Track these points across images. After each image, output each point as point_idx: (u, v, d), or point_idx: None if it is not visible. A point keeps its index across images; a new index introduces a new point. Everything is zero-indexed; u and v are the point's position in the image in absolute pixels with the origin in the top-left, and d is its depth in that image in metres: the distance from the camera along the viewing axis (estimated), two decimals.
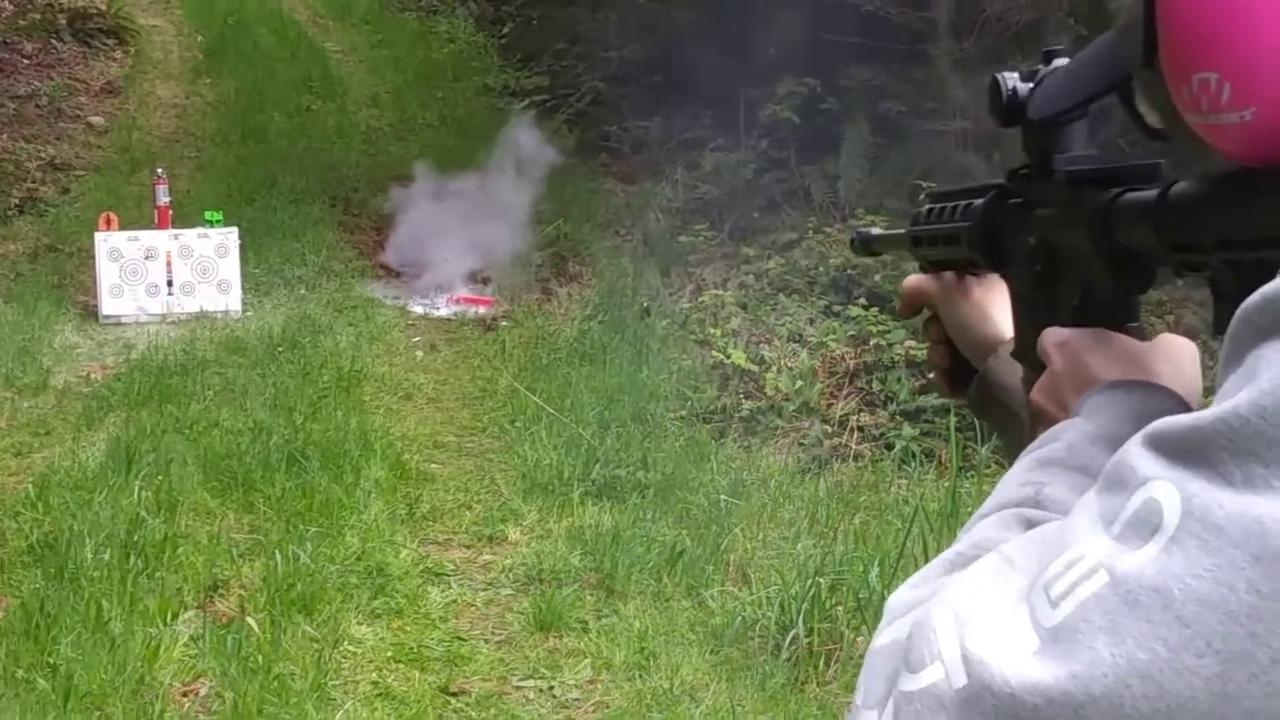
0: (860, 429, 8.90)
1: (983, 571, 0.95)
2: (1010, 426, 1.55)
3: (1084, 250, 1.27)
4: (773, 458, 8.79)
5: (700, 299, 11.98)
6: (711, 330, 11.01)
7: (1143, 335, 1.30)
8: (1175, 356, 1.25)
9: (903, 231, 1.77)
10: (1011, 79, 1.38)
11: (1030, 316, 1.42)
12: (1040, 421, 1.27)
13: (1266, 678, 0.79)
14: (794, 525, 7.36)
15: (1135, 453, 0.88)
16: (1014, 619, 0.88)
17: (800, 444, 9.06)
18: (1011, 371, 1.53)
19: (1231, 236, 1.03)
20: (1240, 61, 0.94)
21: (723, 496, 7.64)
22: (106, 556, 6.44)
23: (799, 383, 9.57)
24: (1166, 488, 0.84)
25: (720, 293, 11.94)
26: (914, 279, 1.69)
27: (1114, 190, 1.22)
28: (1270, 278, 0.88)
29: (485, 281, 13.03)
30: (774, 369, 9.92)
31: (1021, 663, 0.85)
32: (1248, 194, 1.00)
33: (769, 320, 11.19)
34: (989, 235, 1.49)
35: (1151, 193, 1.15)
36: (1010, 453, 1.58)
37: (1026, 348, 1.42)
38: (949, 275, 1.64)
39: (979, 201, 1.51)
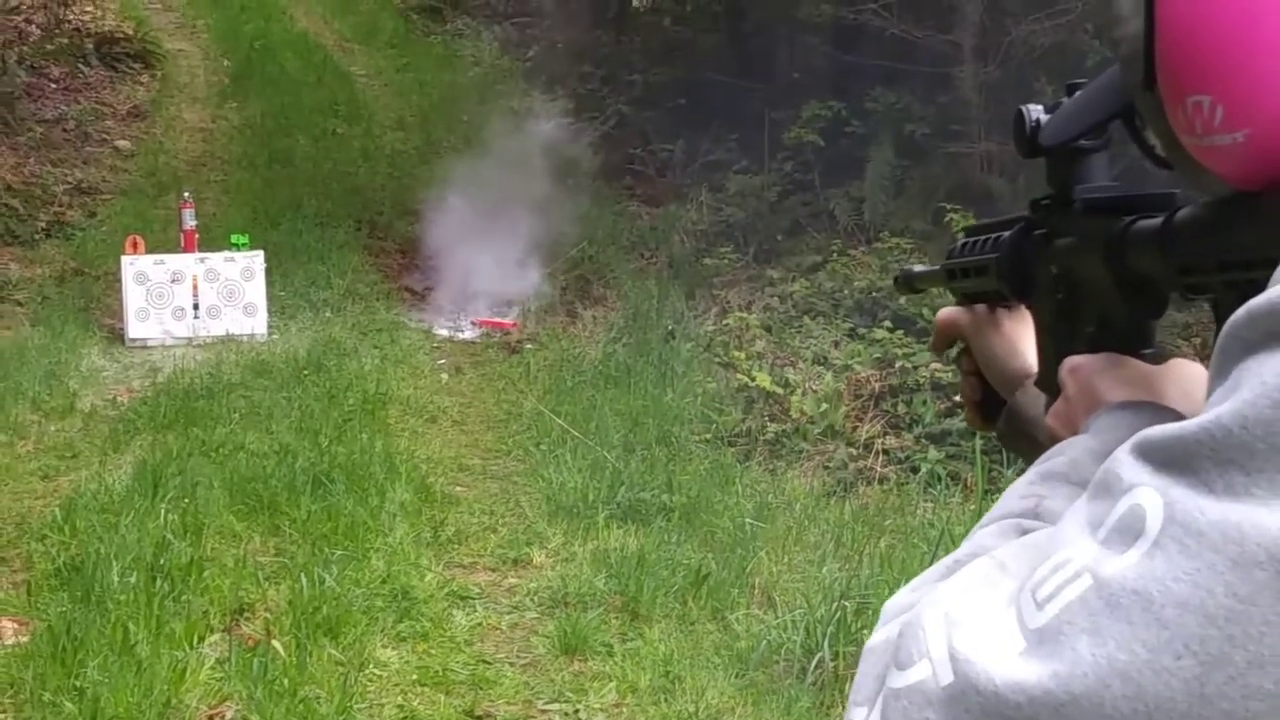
0: (885, 452, 8.89)
1: (974, 574, 0.97)
2: (1036, 457, 1.56)
3: (1100, 277, 1.28)
4: (798, 481, 8.79)
5: (725, 322, 12.00)
6: (736, 353, 11.02)
7: (1158, 360, 1.31)
8: (1184, 379, 1.27)
9: (939, 267, 1.80)
10: (1035, 111, 1.40)
11: (1053, 346, 1.43)
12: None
13: (1243, 680, 0.80)
14: (819, 548, 7.35)
15: (1123, 460, 0.90)
16: (1003, 620, 0.90)
17: (825, 467, 9.05)
18: (1038, 403, 1.54)
19: (1228, 258, 1.04)
20: (1232, 85, 0.95)
21: (748, 520, 7.64)
22: (133, 580, 6.45)
23: (824, 405, 9.57)
24: (1150, 494, 0.86)
25: (745, 315, 11.95)
26: (947, 311, 1.71)
27: (1128, 218, 1.24)
28: None
29: (510, 304, 13.05)
30: (799, 392, 9.92)
31: (1007, 662, 0.87)
32: (1244, 215, 1.01)
33: (794, 343, 11.20)
34: (1016, 266, 1.51)
35: (1159, 219, 1.17)
36: None
37: (1049, 377, 1.43)
38: (981, 308, 1.66)
39: (1007, 234, 1.53)
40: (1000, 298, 1.61)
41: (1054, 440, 1.28)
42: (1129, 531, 0.85)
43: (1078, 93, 1.31)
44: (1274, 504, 0.81)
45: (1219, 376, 0.88)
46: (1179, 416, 1.14)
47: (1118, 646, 0.83)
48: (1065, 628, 0.85)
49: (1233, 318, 0.87)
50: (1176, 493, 0.84)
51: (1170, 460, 0.86)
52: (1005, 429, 1.62)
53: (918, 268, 2.04)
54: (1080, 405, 1.26)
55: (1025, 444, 1.58)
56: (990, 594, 0.93)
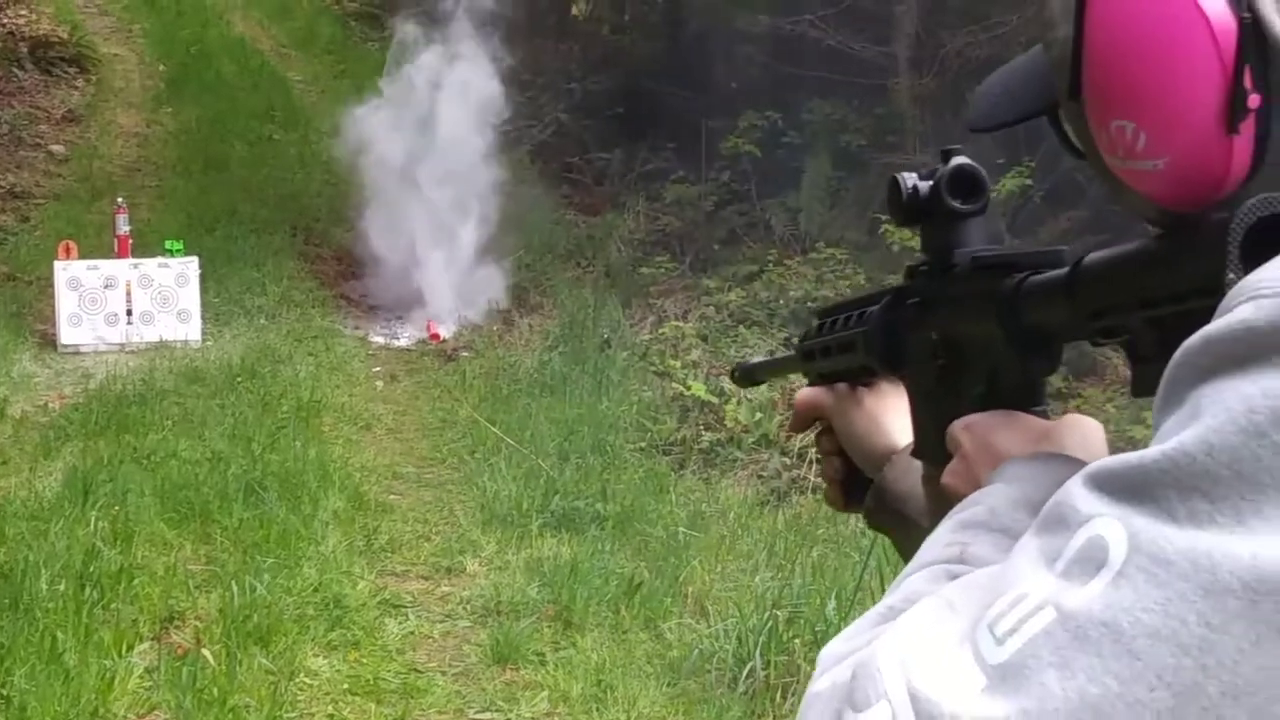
0: (818, 461, 8.91)
1: (924, 614, 0.96)
2: (908, 534, 1.55)
3: (990, 337, 1.28)
4: (732, 490, 8.81)
5: (661, 330, 12.02)
6: (672, 362, 11.04)
7: (1047, 417, 1.31)
8: (1082, 431, 1.26)
9: (790, 355, 1.80)
10: (911, 178, 1.39)
11: (932, 413, 1.42)
12: (954, 504, 1.27)
13: (1218, 710, 0.79)
14: (752, 558, 7.37)
15: (1076, 492, 0.89)
16: (958, 659, 0.88)
17: (759, 476, 9.08)
18: (907, 479, 1.54)
19: (1154, 294, 1.04)
20: (1155, 114, 0.97)
21: (681, 529, 7.66)
22: (62, 588, 6.40)
23: (758, 415, 9.60)
24: (1111, 524, 0.84)
25: (681, 324, 11.98)
26: (806, 392, 1.70)
27: (1019, 275, 1.24)
28: (1196, 329, 0.89)
29: (446, 312, 13.02)
30: (734, 401, 9.95)
31: (969, 700, 0.86)
32: (1168, 250, 1.02)
33: (729, 352, 11.23)
34: (886, 338, 1.50)
35: (1062, 270, 1.17)
36: (907, 560, 1.60)
37: (928, 445, 1.43)
38: (841, 387, 1.65)
39: (874, 308, 1.53)
40: (863, 374, 1.61)
41: (950, 497, 1.28)
42: (1090, 562, 0.84)
43: (1003, 73, 1.30)
44: (1240, 532, 0.80)
45: (1171, 405, 0.87)
46: (1084, 464, 1.16)
47: (1088, 679, 0.81)
48: (1031, 662, 0.84)
49: (1186, 345, 0.87)
50: (1139, 522, 0.83)
51: (1129, 489, 0.85)
52: (874, 505, 1.61)
53: (756, 359, 2.06)
54: (980, 461, 1.26)
55: (894, 520, 1.58)
56: (942, 632, 0.92)
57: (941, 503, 1.35)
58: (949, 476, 1.30)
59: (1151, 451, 0.85)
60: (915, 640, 0.93)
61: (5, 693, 5.51)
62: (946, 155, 1.39)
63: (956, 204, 1.35)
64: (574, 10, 20.93)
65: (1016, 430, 1.26)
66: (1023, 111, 1.25)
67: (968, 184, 1.34)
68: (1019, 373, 1.29)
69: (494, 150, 13.84)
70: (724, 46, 16.79)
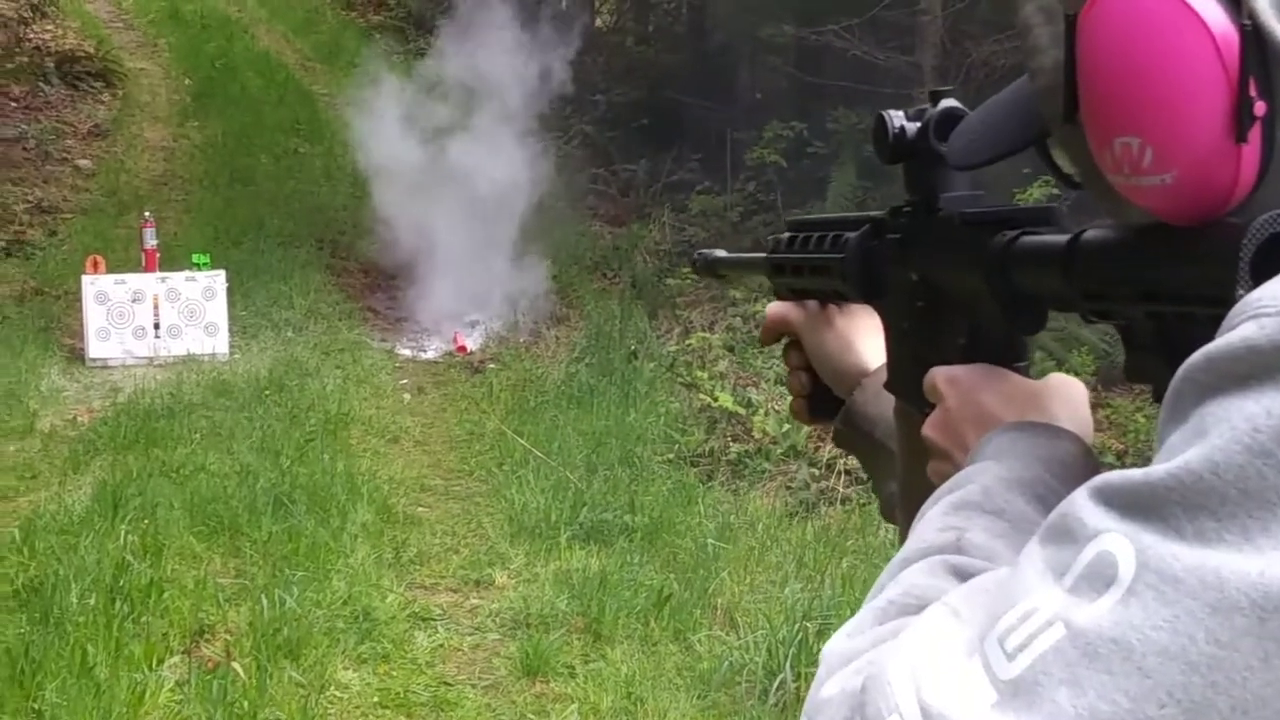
0: (848, 472, 8.89)
1: (930, 623, 0.96)
2: (876, 456, 1.59)
3: (975, 290, 1.27)
4: (760, 501, 8.79)
5: (688, 342, 12.00)
6: (699, 373, 11.02)
7: (1029, 374, 1.31)
8: (1068, 397, 1.27)
9: (758, 256, 1.79)
10: (898, 117, 1.40)
11: (908, 351, 1.43)
12: (935, 456, 1.30)
13: None
14: (781, 569, 7.35)
15: (1083, 505, 0.89)
16: (967, 672, 0.89)
17: (788, 487, 9.05)
18: (878, 403, 1.55)
19: (1158, 289, 1.03)
20: (1161, 128, 0.96)
21: (710, 540, 7.64)
22: (92, 601, 6.42)
23: (787, 426, 9.57)
24: (1119, 540, 0.85)
25: (708, 335, 11.96)
26: (777, 306, 1.72)
27: (1010, 233, 1.23)
28: (1196, 331, 0.91)
29: (473, 324, 13.03)
30: (761, 412, 9.92)
31: (980, 715, 0.86)
32: (1179, 250, 1.01)
33: (756, 363, 11.20)
34: (864, 268, 1.50)
35: (1059, 239, 1.15)
36: (876, 481, 1.62)
37: (902, 380, 1.43)
38: (812, 304, 1.67)
39: (852, 235, 1.53)
40: (835, 297, 1.62)
41: (931, 451, 1.29)
42: (1099, 579, 0.85)
43: (983, 110, 1.29)
44: (1248, 549, 0.80)
45: (1176, 419, 0.87)
46: (1074, 438, 1.17)
47: (1099, 696, 0.82)
48: (1041, 678, 0.84)
49: (1190, 361, 0.87)
50: (1147, 539, 0.83)
51: (1136, 505, 0.85)
52: (843, 427, 1.64)
53: (719, 252, 2.02)
54: (964, 419, 1.27)
55: (863, 441, 1.61)
56: (951, 643, 0.92)
57: (910, 441, 1.38)
58: (930, 429, 1.31)
59: (1158, 469, 0.85)
60: (924, 651, 0.93)
61: (37, 706, 5.53)
62: (936, 97, 1.39)
63: (943, 146, 1.35)
64: (598, 22, 20.97)
65: (1002, 390, 1.27)
66: (1005, 148, 1.24)
67: (954, 127, 1.33)
68: (1003, 329, 1.29)
69: (519, 162, 13.86)
70: (748, 57, 16.81)
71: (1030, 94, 1.15)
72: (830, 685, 0.98)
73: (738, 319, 12.37)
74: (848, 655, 0.99)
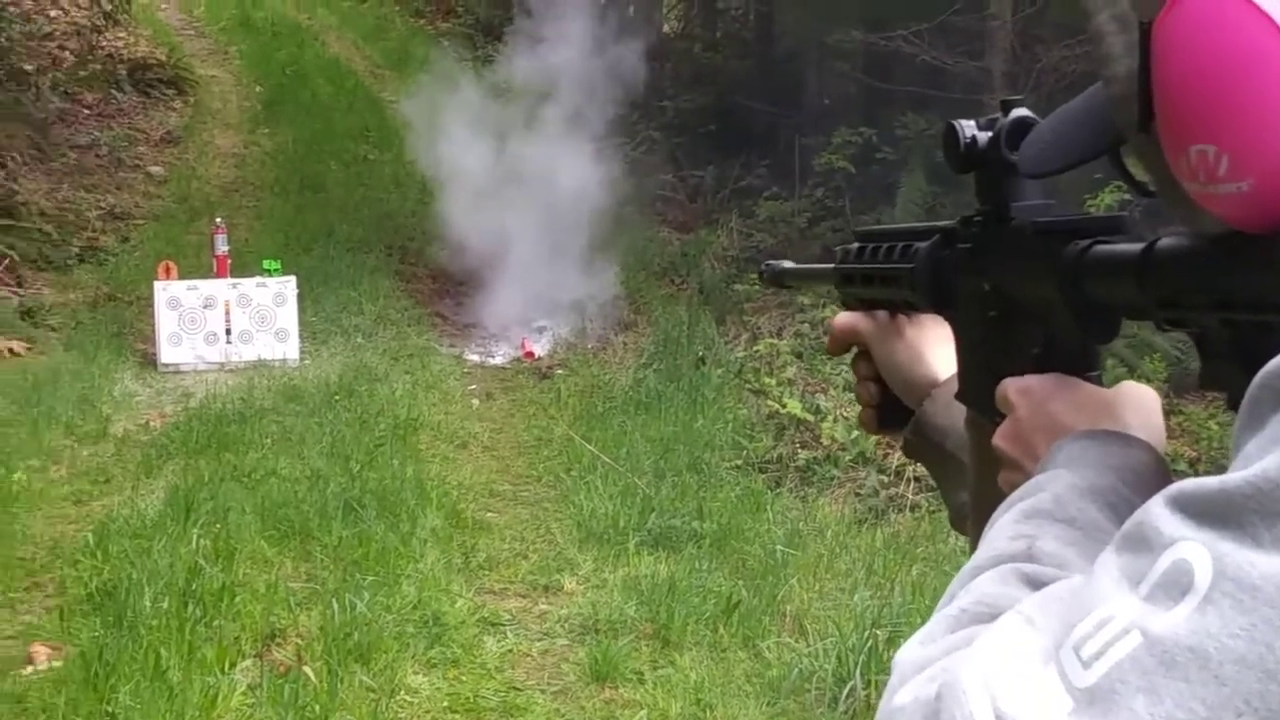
0: (917, 479, 8.85)
1: (1004, 631, 0.95)
2: (946, 467, 1.58)
3: (1048, 300, 1.27)
4: (829, 508, 8.77)
5: (755, 348, 11.98)
6: (767, 379, 11.01)
7: (1102, 383, 1.30)
8: (1141, 405, 1.27)
9: (826, 267, 1.79)
10: (969, 127, 1.40)
11: (980, 361, 1.42)
12: (1006, 466, 1.29)
13: None
14: (851, 576, 7.33)
15: (1159, 513, 0.88)
16: (1043, 680, 0.89)
17: (857, 494, 9.03)
18: (948, 413, 1.55)
19: (1233, 298, 1.03)
20: (1238, 135, 0.95)
21: (779, 547, 7.63)
22: (165, 605, 6.46)
23: (855, 433, 9.54)
24: (1196, 548, 0.84)
25: (776, 341, 11.94)
26: (846, 317, 1.71)
27: (1082, 242, 1.22)
28: (1272, 339, 0.92)
29: (541, 330, 13.07)
30: (830, 418, 9.90)
31: None
32: (1255, 258, 1.00)
33: (825, 369, 11.17)
34: (934, 278, 1.49)
35: (1133, 247, 1.15)
36: (946, 492, 1.61)
37: (974, 391, 1.43)
38: (881, 314, 1.67)
39: (921, 245, 1.52)
40: (904, 307, 1.61)
41: (1003, 461, 1.29)
42: (1175, 586, 0.84)
43: (1054, 119, 1.28)
44: None
45: (1253, 427, 0.87)
46: (1146, 445, 1.17)
47: (1175, 705, 0.81)
48: (1118, 686, 0.84)
49: (1267, 369, 0.87)
50: (1224, 547, 0.83)
51: (1212, 514, 0.85)
52: (913, 438, 1.63)
53: (787, 263, 2.02)
54: (1036, 428, 1.26)
55: (933, 452, 1.60)
56: (1024, 652, 0.92)
57: (982, 451, 1.37)
58: (1001, 439, 1.30)
59: (1235, 476, 0.85)
60: (999, 659, 0.93)
61: (111, 710, 5.57)
62: (1007, 106, 1.38)
63: (1014, 156, 1.34)
64: (665, 28, 20.98)
65: (1074, 399, 1.27)
66: (1076, 157, 1.23)
67: (1025, 136, 1.32)
68: (1076, 338, 1.29)
69: (587, 168, 13.88)
70: (817, 63, 16.78)
71: (1103, 102, 1.14)
72: (903, 693, 0.98)
73: (806, 325, 12.34)
74: (920, 663, 0.99)
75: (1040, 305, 1.29)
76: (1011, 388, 1.30)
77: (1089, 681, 0.85)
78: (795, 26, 17.52)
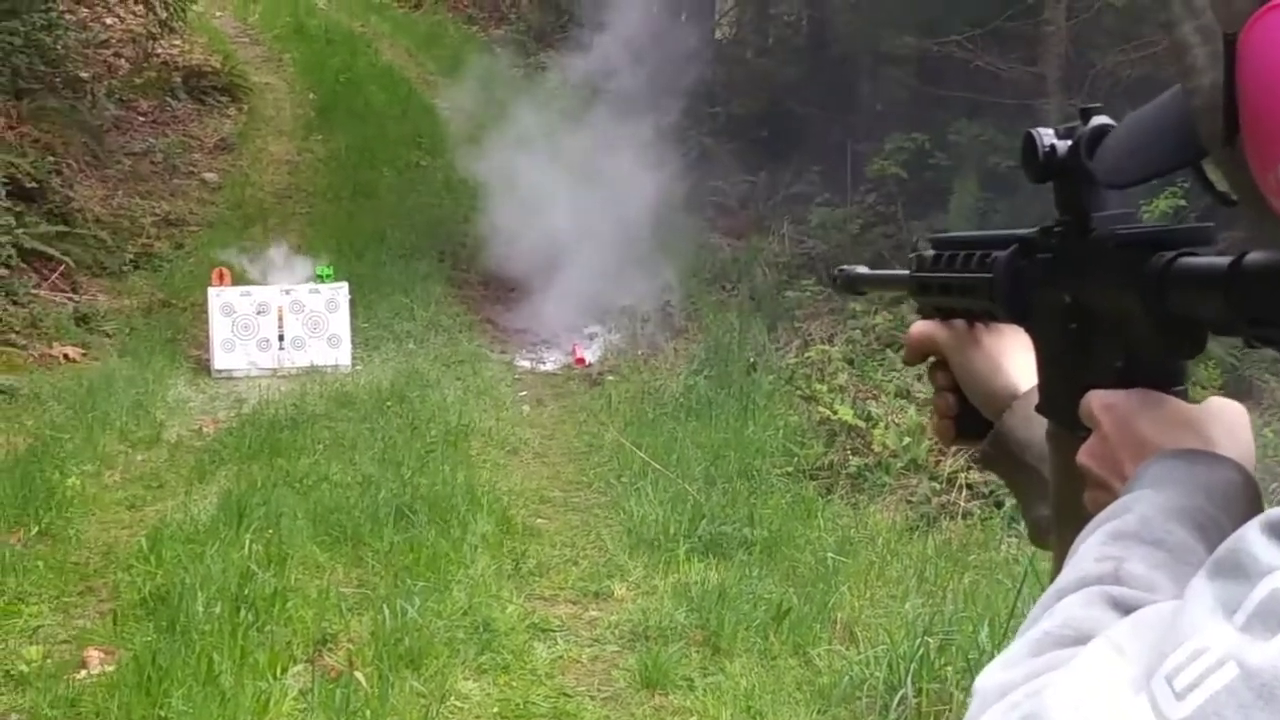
0: (969, 486, 8.81)
1: (1093, 659, 0.93)
2: (1026, 480, 1.55)
3: (1132, 313, 1.24)
4: (880, 515, 8.74)
5: (807, 354, 11.96)
6: (818, 386, 10.98)
7: (1187, 398, 1.28)
8: (1229, 421, 1.23)
9: (901, 274, 1.77)
10: (1048, 135, 1.36)
11: (1061, 374, 1.40)
12: (1091, 485, 1.26)
13: None
14: (902, 584, 7.30)
15: (1254, 540, 0.86)
16: (1133, 710, 0.86)
17: (908, 501, 8.99)
18: (1028, 426, 1.52)
19: None
20: None
21: (830, 554, 7.60)
22: (217, 610, 6.49)
23: (907, 439, 9.51)
24: None
25: (827, 348, 11.91)
26: (923, 326, 1.69)
27: (1167, 255, 1.20)
28: None
29: (591, 337, 13.08)
30: (881, 425, 9.87)
31: None
32: None
33: (876, 376, 11.14)
34: (1014, 289, 1.47)
35: (1220, 261, 1.12)
36: (1024, 505, 1.57)
37: (1056, 404, 1.41)
38: (959, 324, 1.64)
39: (1001, 254, 1.50)
40: (982, 316, 1.59)
41: (1088, 479, 1.26)
42: (1273, 616, 0.82)
43: (1130, 126, 1.25)
44: None
45: None
46: (1234, 464, 1.13)
47: None
48: (1214, 719, 0.81)
49: None
50: None
51: None
52: (991, 450, 1.60)
53: (861, 269, 2.00)
54: (1121, 445, 1.23)
55: (1012, 465, 1.57)
56: (1114, 681, 0.89)
57: (1064, 464, 1.35)
58: (1086, 456, 1.27)
59: None
60: (1087, 689, 0.90)
61: (163, 714, 5.60)
62: (1086, 114, 1.34)
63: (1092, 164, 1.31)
64: (717, 34, 20.96)
65: (1160, 416, 1.23)
66: (1155, 167, 1.20)
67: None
68: (1161, 353, 1.26)
69: (638, 174, 13.89)
70: (869, 69, 16.73)
71: (1183, 112, 1.11)
72: (990, 719, 0.95)
73: (857, 331, 12.31)
74: (1003, 688, 0.97)
75: (1122, 318, 1.27)
76: (1096, 403, 1.27)
77: (1183, 714, 0.83)
78: (848, 32, 17.46)
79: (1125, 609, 0.99)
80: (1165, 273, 1.19)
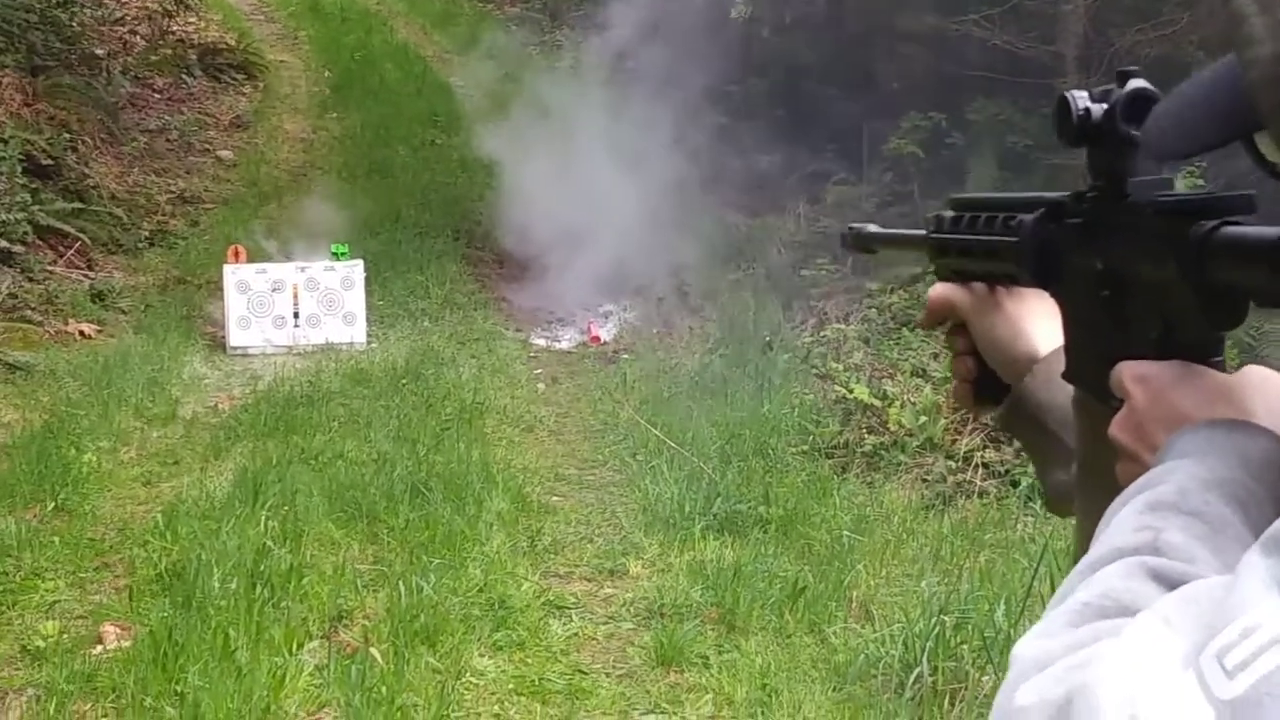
0: (985, 465, 8.79)
1: (1141, 633, 0.90)
2: (1045, 445, 1.53)
3: (1169, 282, 1.21)
4: (896, 493, 8.72)
5: (822, 333, 11.94)
6: (834, 364, 10.96)
7: (1224, 369, 1.24)
8: (1267, 391, 1.19)
9: (917, 234, 1.73)
10: (1082, 99, 1.32)
11: (1091, 342, 1.36)
12: (1123, 457, 1.23)
13: None
14: (918, 562, 7.29)
15: None
16: (1182, 688, 0.84)
17: (924, 480, 8.97)
18: (1050, 390, 1.50)
19: None
20: None
21: (845, 532, 7.59)
22: (233, 586, 6.50)
23: (923, 418, 9.49)
24: None
25: (843, 327, 11.89)
26: (942, 289, 1.65)
27: (1208, 223, 1.16)
28: None
29: (607, 315, 13.07)
30: (897, 404, 9.84)
31: None
32: None
33: (892, 355, 11.12)
34: (1041, 254, 1.43)
35: (1267, 231, 1.09)
36: (1042, 470, 1.55)
37: (1084, 372, 1.38)
38: (979, 287, 1.61)
39: (1027, 217, 1.46)
40: (1004, 280, 1.56)
41: (1120, 451, 1.23)
42: None
43: (1180, 98, 1.19)
44: None
45: None
46: (1272, 435, 1.10)
47: None
48: (1266, 700, 0.79)
49: None
50: None
51: None
52: (1010, 414, 1.58)
53: (872, 227, 1.95)
54: (1154, 418, 1.20)
55: (1032, 429, 1.55)
56: (1162, 657, 0.87)
57: (1090, 430, 1.32)
58: (1118, 429, 1.24)
59: None
60: (1134, 664, 0.88)
61: (180, 689, 5.60)
62: (1123, 78, 1.31)
63: (1131, 129, 1.27)
64: (733, 13, 20.90)
65: (1195, 387, 1.20)
66: (1205, 142, 1.15)
67: (1144, 109, 1.25)
68: (1198, 323, 1.22)
69: (654, 153, 13.87)
70: (886, 47, 16.69)
71: (1235, 85, 1.07)
72: (1026, 692, 0.93)
73: (873, 310, 12.30)
74: (1042, 660, 0.94)
75: (1158, 287, 1.24)
76: (1128, 374, 1.24)
77: (1233, 693, 0.80)
78: (865, 10, 17.43)
79: (1164, 580, 0.97)
80: (1207, 241, 1.16)
